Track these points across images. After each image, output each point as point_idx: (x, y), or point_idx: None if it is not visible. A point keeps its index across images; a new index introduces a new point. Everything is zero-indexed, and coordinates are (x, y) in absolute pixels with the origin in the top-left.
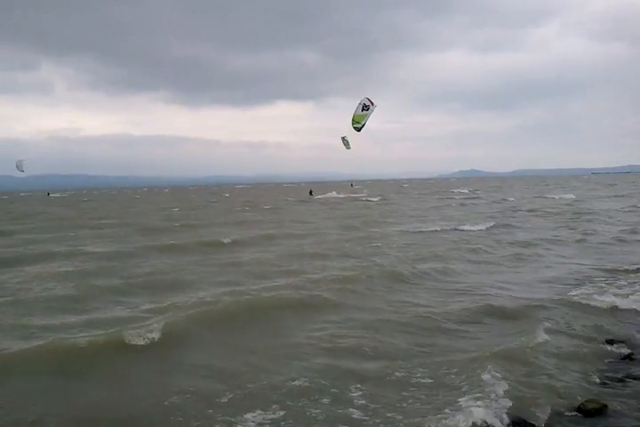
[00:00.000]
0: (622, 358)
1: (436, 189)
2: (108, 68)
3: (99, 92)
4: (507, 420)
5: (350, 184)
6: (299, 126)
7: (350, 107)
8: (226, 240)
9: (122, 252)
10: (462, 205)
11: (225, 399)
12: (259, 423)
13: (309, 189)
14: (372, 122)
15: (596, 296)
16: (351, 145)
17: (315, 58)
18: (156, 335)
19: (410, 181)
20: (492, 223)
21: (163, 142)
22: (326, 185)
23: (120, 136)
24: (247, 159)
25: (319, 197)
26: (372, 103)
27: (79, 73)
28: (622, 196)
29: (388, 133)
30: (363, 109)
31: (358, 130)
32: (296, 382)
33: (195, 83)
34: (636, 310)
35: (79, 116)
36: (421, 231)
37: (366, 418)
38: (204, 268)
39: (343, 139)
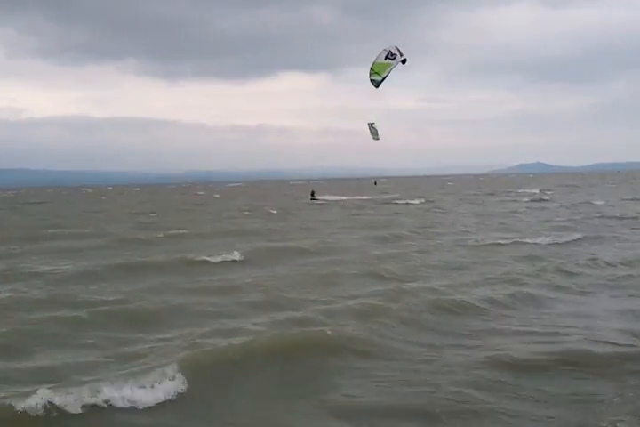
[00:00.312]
0: None
1: (492, 189)
2: (60, 28)
3: (49, 60)
4: None
5: (374, 182)
6: (309, 106)
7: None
8: (220, 257)
9: (83, 272)
10: (530, 209)
11: None
12: None
13: (311, 190)
14: (405, 100)
15: None
16: (380, 133)
17: (331, 15)
18: (136, 389)
19: (456, 177)
20: (575, 235)
21: (132, 127)
22: (343, 183)
23: (76, 118)
24: (242, 149)
25: (323, 198)
26: (401, 53)
27: (23, 35)
28: None
29: (425, 115)
30: (387, 57)
31: (377, 84)
32: None
33: (173, 49)
34: None
35: (22, 92)
36: (480, 244)
37: None
38: (193, 295)
39: (370, 126)
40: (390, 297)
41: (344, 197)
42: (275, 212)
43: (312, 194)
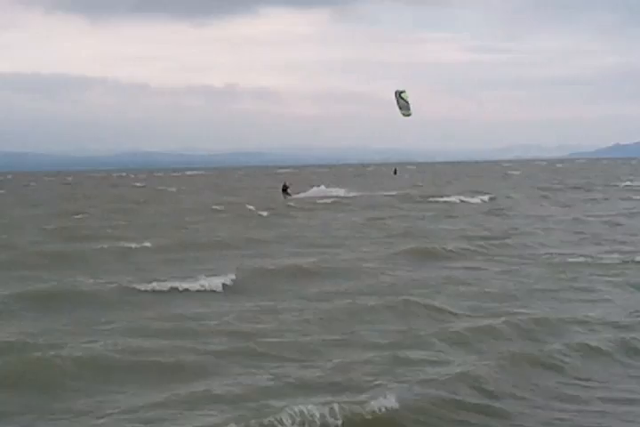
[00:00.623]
0: None
1: (579, 181)
2: None
3: None
4: None
5: (393, 170)
6: (300, 58)
7: (403, 20)
8: (188, 282)
9: None
10: None
11: None
12: None
13: (283, 183)
14: (446, 50)
15: None
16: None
17: None
18: None
19: (520, 163)
20: None
21: (39, 87)
22: (349, 171)
23: None
24: (202, 121)
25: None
26: None
27: None
28: None
29: (474, 72)
30: None
31: None
32: None
33: None
34: None
35: None
36: (574, 263)
37: None
38: (151, 340)
39: (399, 96)
40: (451, 343)
41: (356, 193)
42: (264, 214)
43: (284, 189)
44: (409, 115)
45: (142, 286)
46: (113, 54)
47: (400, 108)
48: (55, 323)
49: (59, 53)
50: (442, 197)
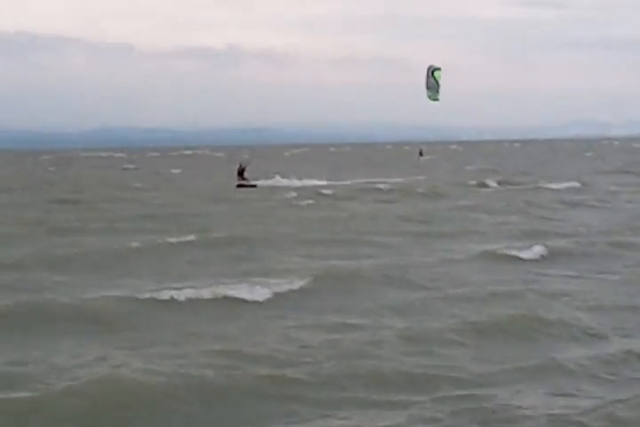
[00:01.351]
0: None
1: None
2: None
3: None
4: None
5: (419, 152)
6: (318, 12)
7: None
8: (222, 291)
9: None
10: None
11: None
12: None
13: (239, 164)
14: (488, 4)
15: None
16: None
17: None
18: None
19: (590, 143)
20: None
21: (2, 49)
22: (372, 151)
23: None
24: (197, 91)
25: (256, 183)
26: None
27: None
28: None
29: (525, 32)
30: None
31: None
32: None
33: None
34: None
35: None
36: None
37: None
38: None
39: (431, 73)
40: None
41: (398, 179)
42: (303, 203)
43: (239, 172)
44: (436, 99)
45: (156, 295)
46: (89, 10)
47: (428, 88)
48: (46, 349)
49: (26, 10)
50: (507, 183)
